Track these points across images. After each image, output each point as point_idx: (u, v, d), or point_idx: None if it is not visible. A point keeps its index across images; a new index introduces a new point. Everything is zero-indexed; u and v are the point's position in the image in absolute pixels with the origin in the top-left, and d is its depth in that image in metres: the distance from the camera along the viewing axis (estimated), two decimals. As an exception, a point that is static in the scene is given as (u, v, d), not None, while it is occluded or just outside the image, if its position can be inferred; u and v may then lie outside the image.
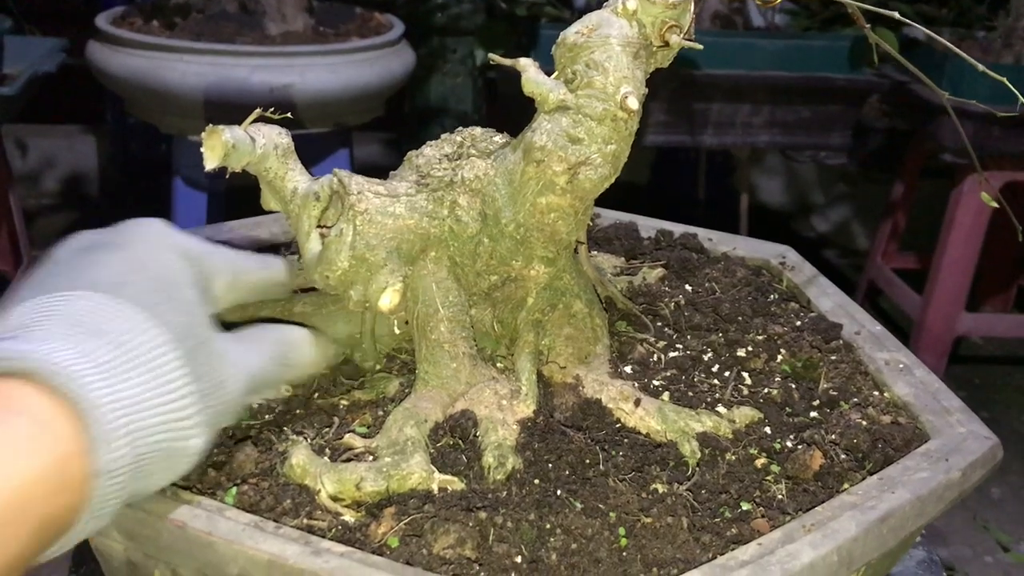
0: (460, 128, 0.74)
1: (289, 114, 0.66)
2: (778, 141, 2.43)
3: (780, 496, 0.60)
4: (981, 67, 0.69)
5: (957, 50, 0.72)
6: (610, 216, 1.00)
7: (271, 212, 0.74)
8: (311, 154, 2.10)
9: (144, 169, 2.95)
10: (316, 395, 0.69)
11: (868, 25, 0.75)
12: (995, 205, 0.85)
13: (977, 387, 2.58)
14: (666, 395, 0.69)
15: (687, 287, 0.85)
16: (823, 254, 3.25)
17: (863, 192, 3.38)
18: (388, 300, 0.66)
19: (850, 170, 3.42)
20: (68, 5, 2.94)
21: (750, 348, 0.76)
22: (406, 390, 0.68)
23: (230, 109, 1.83)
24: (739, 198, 2.82)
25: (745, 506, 0.59)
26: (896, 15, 0.69)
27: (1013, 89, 0.67)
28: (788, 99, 2.30)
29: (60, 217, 3.00)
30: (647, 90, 0.66)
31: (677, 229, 0.97)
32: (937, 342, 2.42)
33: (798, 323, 0.80)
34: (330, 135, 2.05)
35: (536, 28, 2.19)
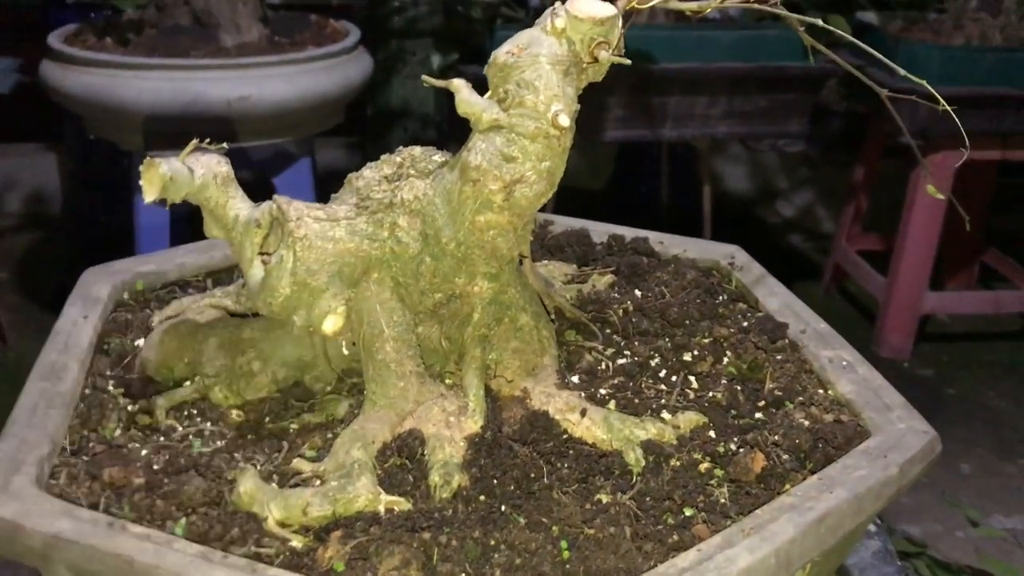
0: (400, 148, 0.75)
1: (226, 144, 0.66)
2: (737, 131, 2.45)
3: (723, 500, 0.62)
4: (902, 72, 0.70)
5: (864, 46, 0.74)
6: (563, 223, 1.01)
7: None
8: (273, 164, 2.09)
9: (106, 186, 2.93)
10: (267, 420, 0.70)
11: (802, 28, 0.76)
12: (942, 197, 0.87)
13: (945, 364, 2.62)
14: (613, 403, 0.71)
15: (636, 292, 0.86)
16: (789, 239, 3.28)
17: (825, 176, 3.41)
18: (331, 324, 0.66)
19: (811, 155, 3.45)
20: (20, 22, 2.90)
21: (696, 352, 0.77)
22: (356, 411, 0.69)
23: (187, 124, 1.82)
24: (702, 190, 2.84)
25: (688, 512, 0.61)
26: (819, 22, 0.70)
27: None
28: (745, 89, 2.32)
29: (23, 237, 2.98)
30: (579, 106, 0.67)
31: (628, 233, 0.98)
32: (903, 322, 2.46)
33: (745, 324, 0.82)
34: (291, 144, 2.05)
35: (492, 29, 2.20)
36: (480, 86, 0.67)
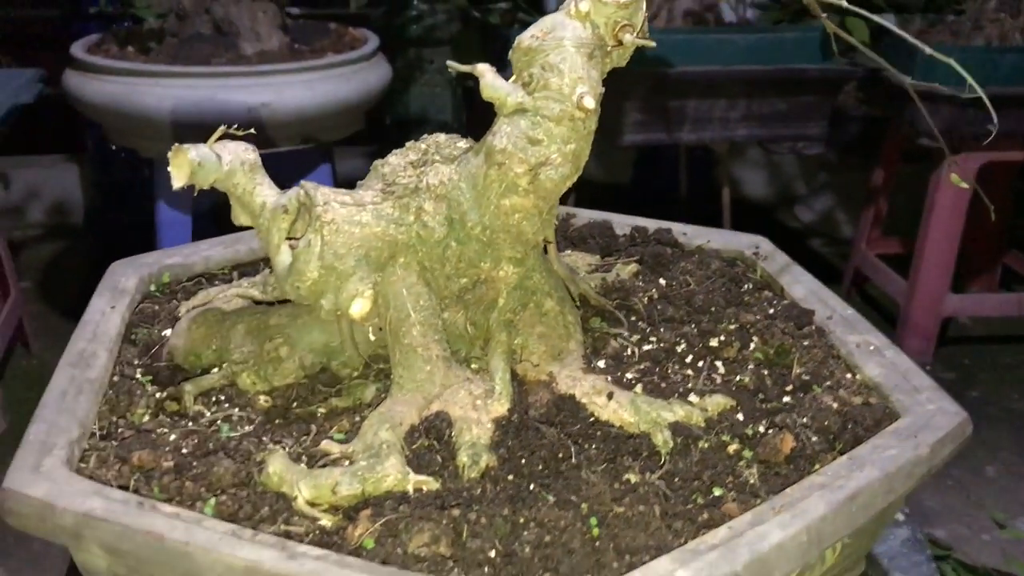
0: (425, 135, 0.75)
1: (253, 130, 0.67)
2: (756, 134, 2.44)
3: (752, 480, 0.61)
4: (929, 49, 0.70)
5: (907, 35, 0.74)
6: (585, 215, 1.01)
7: (245, 228, 0.74)
8: (293, 171, 2.10)
9: (128, 194, 2.95)
10: (295, 405, 0.70)
11: (825, 15, 0.76)
12: (966, 186, 0.86)
13: (967, 367, 2.59)
14: (639, 387, 0.70)
15: (661, 281, 0.86)
16: (808, 244, 3.26)
17: (844, 180, 3.40)
18: (359, 307, 0.67)
19: (830, 159, 3.44)
20: (43, 34, 2.94)
21: (723, 338, 0.77)
22: (383, 395, 0.69)
23: (208, 131, 1.83)
24: (721, 192, 2.84)
25: (717, 492, 0.60)
26: (844, 3, 0.70)
27: (961, 70, 0.69)
28: (763, 92, 2.31)
29: (47, 247, 3.01)
30: (603, 89, 0.67)
31: (651, 225, 0.98)
32: (925, 325, 2.44)
33: (771, 311, 0.82)
34: (311, 151, 2.06)
35: (509, 34, 2.21)
36: None
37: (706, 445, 0.65)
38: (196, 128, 1.85)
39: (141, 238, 2.05)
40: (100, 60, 1.93)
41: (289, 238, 0.69)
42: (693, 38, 2.26)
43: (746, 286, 0.87)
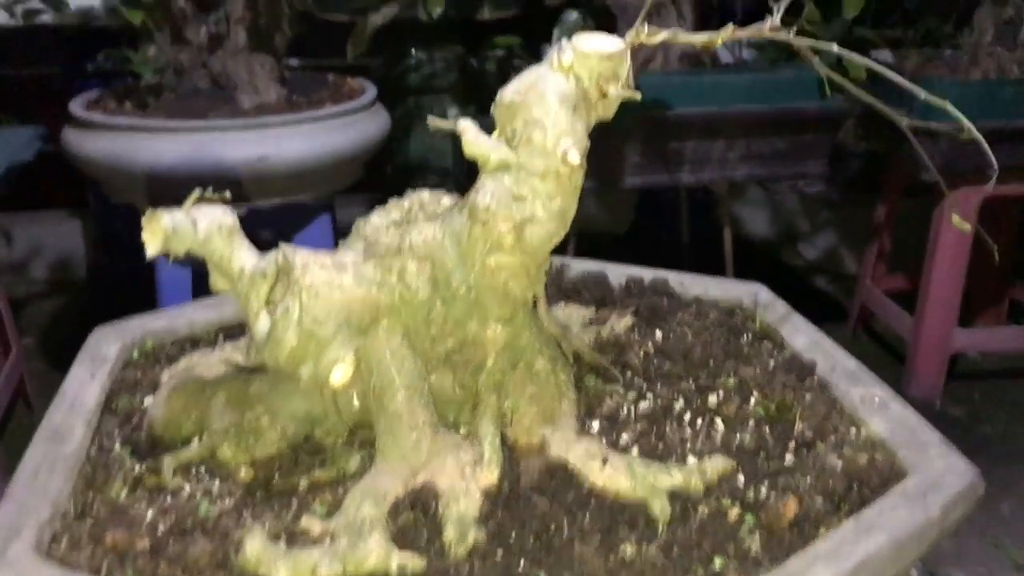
0: (409, 191, 0.73)
1: (228, 193, 0.65)
2: (756, 174, 2.42)
3: (754, 549, 0.58)
4: (924, 94, 0.68)
5: (903, 80, 0.72)
6: (579, 266, 0.99)
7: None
8: (294, 222, 2.09)
9: (130, 249, 2.94)
10: (277, 477, 0.67)
11: (816, 56, 0.75)
12: (968, 228, 0.84)
13: (978, 403, 2.55)
14: (636, 450, 0.68)
15: (657, 334, 0.84)
16: (812, 281, 3.23)
17: (846, 216, 3.38)
18: (340, 375, 0.64)
19: (831, 196, 3.42)
20: (43, 92, 2.96)
21: (722, 393, 0.74)
22: (368, 465, 0.66)
23: (206, 184, 1.83)
24: (723, 233, 2.82)
25: (718, 562, 0.57)
26: (835, 47, 0.69)
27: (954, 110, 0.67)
28: (762, 132, 2.30)
29: (49, 303, 3.00)
30: (589, 143, 0.65)
31: (647, 275, 0.95)
32: (933, 361, 2.40)
33: (771, 363, 0.79)
34: (312, 202, 2.05)
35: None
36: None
37: (706, 511, 0.62)
38: (194, 182, 1.84)
39: (144, 293, 2.04)
40: (98, 116, 1.93)
41: (268, 304, 0.66)
42: (690, 80, 2.26)
43: (745, 337, 0.84)
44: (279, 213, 2.06)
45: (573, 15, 2.09)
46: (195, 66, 2.15)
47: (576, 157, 0.62)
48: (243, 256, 0.67)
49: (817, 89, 2.30)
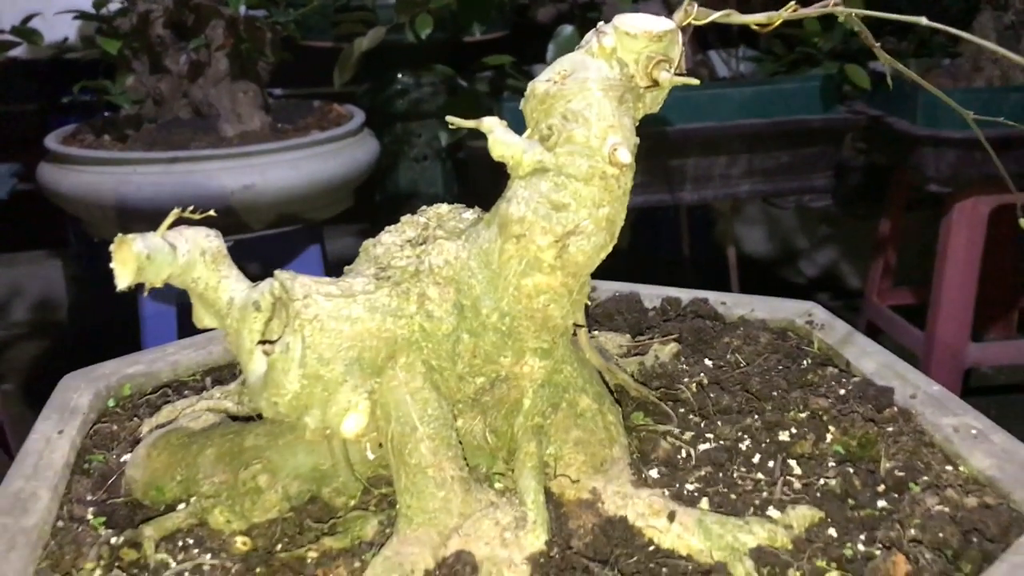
0: (424, 207, 0.63)
1: (213, 212, 0.55)
2: (760, 189, 2.35)
3: (868, 622, 0.48)
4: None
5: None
6: (607, 287, 0.89)
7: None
8: (281, 253, 2.00)
9: (112, 288, 2.84)
10: (280, 547, 0.57)
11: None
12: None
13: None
14: (704, 501, 0.57)
15: (707, 362, 0.74)
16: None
17: (847, 231, 3.32)
18: (353, 424, 0.54)
19: (832, 211, 3.35)
20: (20, 130, 2.87)
21: (793, 430, 0.64)
22: (387, 530, 0.55)
23: (191, 217, 1.74)
24: (725, 252, 2.74)
25: (827, 642, 0.47)
26: (924, 20, 0.60)
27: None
28: (765, 146, 2.23)
29: (29, 346, 2.88)
30: (639, 139, 0.55)
31: (685, 296, 0.85)
32: (947, 377, 2.31)
33: (842, 392, 0.69)
34: (299, 232, 1.96)
35: (499, 101, 2.12)
36: (494, 162, 0.56)
37: (799, 575, 0.51)
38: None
39: (126, 333, 1.93)
40: (75, 151, 1.84)
41: (263, 341, 0.56)
42: (688, 95, 2.18)
43: (806, 362, 0.74)
44: (266, 244, 1.97)
45: (568, 29, 2.01)
46: (175, 95, 2.07)
47: (626, 156, 0.52)
48: (232, 286, 0.57)
49: (820, 101, 2.23)
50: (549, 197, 0.53)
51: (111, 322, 2.45)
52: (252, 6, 2.02)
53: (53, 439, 0.66)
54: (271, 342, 0.55)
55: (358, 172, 1.99)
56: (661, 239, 3.24)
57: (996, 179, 2.10)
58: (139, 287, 0.53)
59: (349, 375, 0.54)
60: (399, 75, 2.82)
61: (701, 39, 2.37)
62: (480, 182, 2.43)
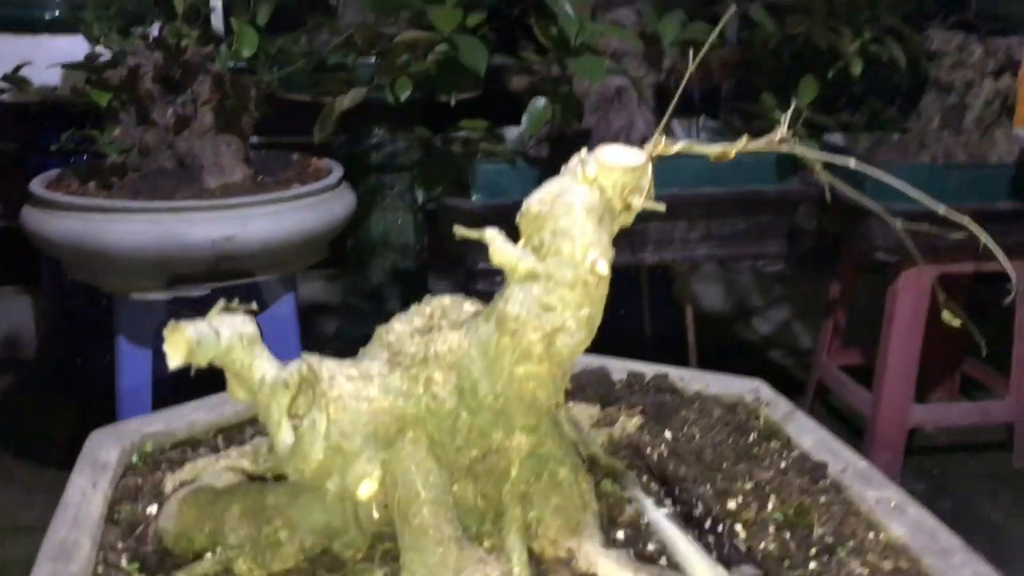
0: (428, 297, 0.73)
1: (255, 306, 0.64)
2: (716, 254, 2.46)
3: (797, 666, 0.58)
4: (889, 177, 0.71)
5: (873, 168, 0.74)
6: (578, 361, 0.98)
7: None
8: (258, 302, 2.05)
9: (83, 327, 2.87)
10: (295, 595, 0.65)
11: (793, 137, 0.77)
12: (958, 323, 0.86)
13: (937, 477, 2.58)
14: (663, 560, 0.67)
15: (667, 434, 0.84)
16: (769, 356, 3.28)
17: (800, 292, 3.45)
18: (367, 489, 0.63)
19: (785, 272, 3.49)
20: (-1, 168, 2.90)
21: (740, 499, 0.74)
22: (392, 581, 0.64)
23: (171, 266, 1.81)
24: (682, 310, 2.85)
25: None
26: (852, 163, 0.71)
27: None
28: (722, 213, 2.35)
29: (0, 379, 2.90)
30: (614, 252, 0.66)
31: (648, 370, 0.96)
32: (891, 437, 2.43)
33: (783, 465, 0.79)
34: (275, 281, 2.03)
35: (473, 164, 2.22)
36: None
37: (741, 625, 0.61)
38: (158, 263, 1.82)
39: (97, 371, 1.98)
40: (60, 197, 1.89)
41: (290, 415, 0.65)
42: (652, 162, 2.30)
43: (752, 436, 0.85)
44: (242, 292, 2.03)
45: (541, 101, 2.12)
46: (160, 147, 2.12)
47: (605, 267, 0.63)
48: (264, 365, 0.66)
49: (774, 172, 2.36)
50: (540, 300, 0.63)
51: (81, 359, 2.49)
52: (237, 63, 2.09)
53: (88, 492, 0.74)
54: (298, 416, 0.64)
55: (336, 225, 2.05)
56: (616, 296, 3.33)
57: (941, 250, 2.24)
58: (115, 329, 0.59)
59: (366, 447, 0.63)
60: (375, 129, 2.90)
61: (663, 107, 2.50)
62: (449, 235, 2.52)
